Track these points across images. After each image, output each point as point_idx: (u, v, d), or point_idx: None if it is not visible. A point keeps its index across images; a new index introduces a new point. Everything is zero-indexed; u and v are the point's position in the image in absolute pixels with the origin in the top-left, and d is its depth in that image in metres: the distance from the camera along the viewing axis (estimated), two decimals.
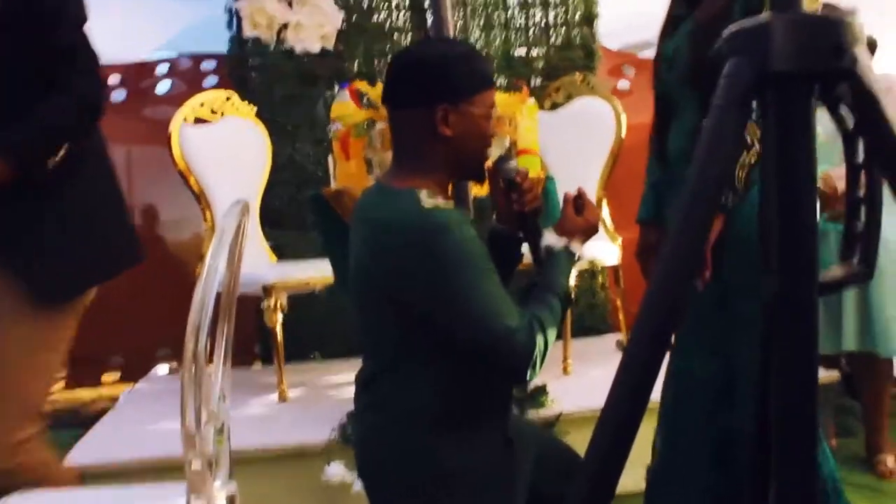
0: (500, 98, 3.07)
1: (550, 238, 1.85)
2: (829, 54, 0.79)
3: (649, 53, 5.14)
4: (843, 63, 0.79)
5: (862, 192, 0.86)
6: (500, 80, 4.55)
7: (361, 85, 3.23)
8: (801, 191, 0.79)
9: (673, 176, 2.25)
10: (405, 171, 1.80)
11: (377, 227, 1.74)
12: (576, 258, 1.86)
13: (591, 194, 4.19)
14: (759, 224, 0.94)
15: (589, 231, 1.87)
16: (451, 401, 1.78)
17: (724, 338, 2.13)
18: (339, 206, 3.14)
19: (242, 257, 1.85)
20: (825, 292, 0.85)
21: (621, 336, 4.25)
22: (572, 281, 3.66)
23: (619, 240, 4.12)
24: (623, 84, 4.96)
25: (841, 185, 3.26)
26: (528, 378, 1.69)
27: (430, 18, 4.35)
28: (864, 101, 0.81)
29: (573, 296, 3.41)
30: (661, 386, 2.34)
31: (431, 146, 1.78)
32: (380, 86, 3.31)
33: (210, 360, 1.58)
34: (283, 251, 4.25)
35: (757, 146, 1.92)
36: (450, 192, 1.86)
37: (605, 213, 4.19)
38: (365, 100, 3.35)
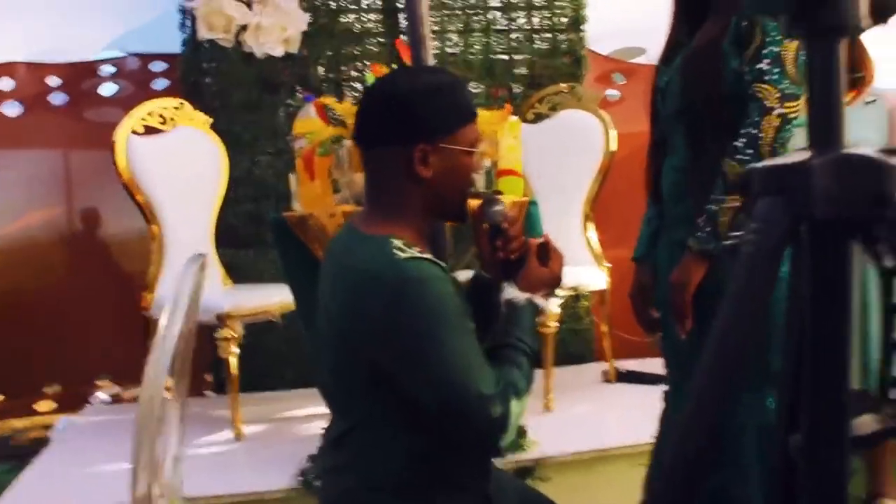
0: (480, 115, 3.06)
1: (512, 291, 1.84)
2: (873, 201, 0.78)
3: (641, 60, 5.18)
4: (888, 212, 0.77)
5: None
6: (479, 89, 4.53)
7: (329, 100, 3.20)
8: (836, 344, 0.77)
9: (665, 213, 2.27)
10: (379, 215, 1.78)
11: (347, 276, 1.72)
12: (540, 310, 1.84)
13: (577, 213, 4.20)
14: (784, 367, 0.92)
15: (553, 283, 1.87)
16: (427, 466, 1.75)
17: None
18: (303, 232, 3.11)
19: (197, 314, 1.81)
20: (859, 447, 0.84)
21: (607, 366, 4.25)
22: (556, 308, 3.68)
23: (607, 265, 4.12)
24: (612, 93, 4.97)
25: None
26: (500, 447, 1.68)
27: (403, 22, 4.33)
28: None
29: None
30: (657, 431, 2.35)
31: (408, 188, 1.76)
32: (348, 103, 3.30)
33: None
34: (238, 272, 4.21)
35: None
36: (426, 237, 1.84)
37: (592, 234, 4.19)
38: (332, 115, 3.32)
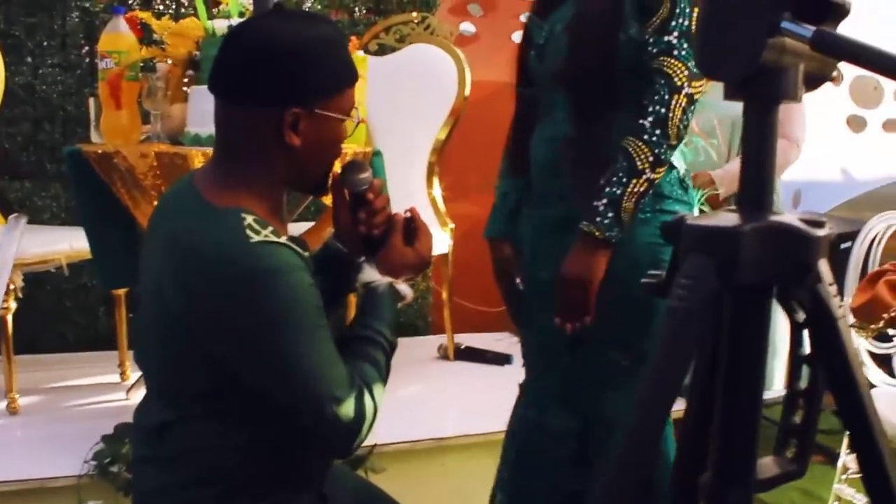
0: None
1: (371, 273, 1.91)
2: (795, 269, 0.98)
3: None
4: (808, 280, 0.97)
5: (802, 386, 1.02)
6: (315, 9, 4.56)
7: (144, 15, 3.19)
8: (749, 395, 0.94)
9: (531, 188, 2.36)
10: (229, 181, 1.80)
11: (187, 254, 1.74)
12: (402, 297, 1.93)
13: (421, 165, 4.31)
14: (689, 405, 1.09)
15: (419, 267, 1.95)
16: (259, 466, 1.83)
17: (582, 389, 2.30)
18: (106, 170, 3.10)
19: None
20: (759, 490, 1.01)
21: (445, 340, 4.40)
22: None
23: (451, 225, 4.26)
24: (467, 27, 5.08)
25: (723, 189, 3.58)
26: (351, 450, 1.78)
27: None
28: (822, 319, 1.00)
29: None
30: (505, 434, 2.51)
31: (269, 155, 1.79)
32: (167, 19, 3.29)
33: None
34: (13, 209, 4.12)
35: (649, 174, 2.08)
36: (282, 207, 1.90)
37: (437, 191, 4.32)
38: (143, 30, 3.31)
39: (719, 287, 0.97)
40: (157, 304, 1.81)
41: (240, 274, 1.68)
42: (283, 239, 1.74)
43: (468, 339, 4.49)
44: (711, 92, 2.47)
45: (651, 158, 2.07)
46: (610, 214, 2.08)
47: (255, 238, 1.70)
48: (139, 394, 3.62)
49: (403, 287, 1.92)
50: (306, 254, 1.80)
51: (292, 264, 1.72)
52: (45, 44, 4.30)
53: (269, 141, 1.78)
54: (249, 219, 1.72)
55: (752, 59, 0.87)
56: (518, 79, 2.42)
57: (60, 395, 3.73)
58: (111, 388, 3.78)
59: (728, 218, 0.98)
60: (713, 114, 3.65)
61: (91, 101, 3.39)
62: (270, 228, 1.73)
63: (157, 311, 1.81)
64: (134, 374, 3.83)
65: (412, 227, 1.95)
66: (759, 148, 0.96)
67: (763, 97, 0.94)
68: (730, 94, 0.96)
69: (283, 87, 1.76)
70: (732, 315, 0.99)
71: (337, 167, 1.94)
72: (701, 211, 2.56)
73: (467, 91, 4.27)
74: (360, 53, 3.38)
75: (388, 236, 1.93)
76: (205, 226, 1.74)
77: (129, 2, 4.32)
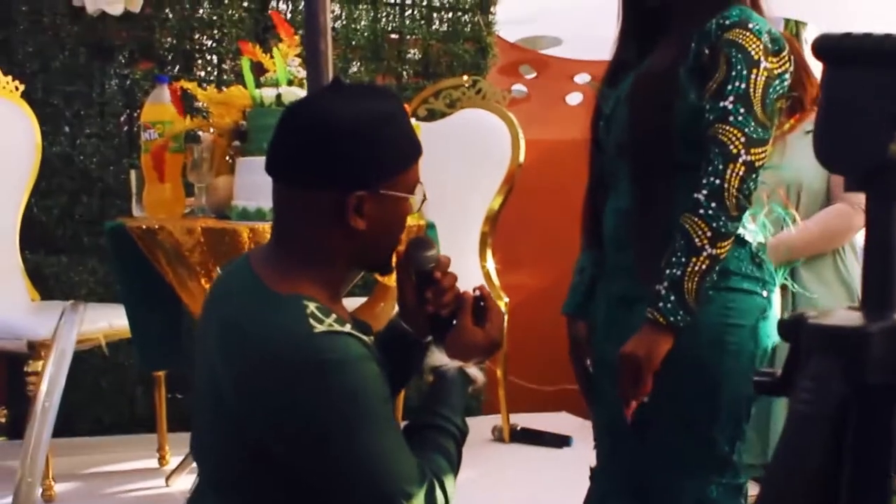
0: None
1: (440, 357, 1.90)
2: None
3: (554, 52, 5.35)
4: None
5: None
6: (362, 73, 4.61)
7: (190, 86, 3.24)
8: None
9: (605, 262, 2.37)
10: (289, 265, 1.81)
11: (247, 343, 1.74)
12: (472, 382, 1.91)
13: (474, 236, 4.32)
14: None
15: (490, 350, 1.94)
16: None
17: (650, 477, 2.28)
18: (150, 246, 3.13)
19: None
20: None
21: (499, 420, 4.37)
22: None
23: (505, 299, 4.26)
24: (519, 88, 5.13)
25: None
26: None
27: None
28: None
29: None
30: None
31: (333, 238, 1.80)
32: (213, 90, 3.34)
33: None
34: (48, 284, 4.17)
35: (709, 250, 2.07)
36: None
37: (490, 262, 4.33)
38: (185, 99, 3.36)
39: (846, 390, 0.97)
40: (212, 394, 1.81)
41: (303, 367, 1.69)
42: (347, 327, 1.74)
43: (524, 420, 4.47)
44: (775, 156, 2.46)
45: (709, 234, 2.06)
46: (672, 298, 2.05)
47: (319, 328, 1.70)
48: (179, 480, 3.66)
49: (474, 371, 1.90)
50: (370, 338, 1.81)
51: (359, 354, 1.72)
52: (82, 112, 4.37)
53: (331, 224, 1.78)
54: (312, 306, 1.73)
55: (877, 153, 0.86)
56: (591, 150, 2.44)
57: (98, 482, 3.75)
58: (150, 473, 3.79)
59: (851, 317, 0.98)
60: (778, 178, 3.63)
61: (133, 173, 3.44)
62: (334, 316, 1.73)
63: (212, 402, 1.82)
64: (174, 459, 3.83)
65: (482, 307, 1.94)
66: (882, 243, 0.95)
67: (888, 192, 0.93)
68: (850, 187, 0.96)
69: (345, 169, 1.76)
70: (859, 418, 0.99)
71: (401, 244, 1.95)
72: (783, 287, 2.53)
73: (521, 157, 4.30)
74: (413, 122, 3.39)
75: (457, 317, 1.93)
76: (264, 314, 1.75)
77: (171, 69, 4.37)
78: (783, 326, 1.02)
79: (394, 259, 1.94)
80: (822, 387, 0.96)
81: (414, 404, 3.77)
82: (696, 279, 2.06)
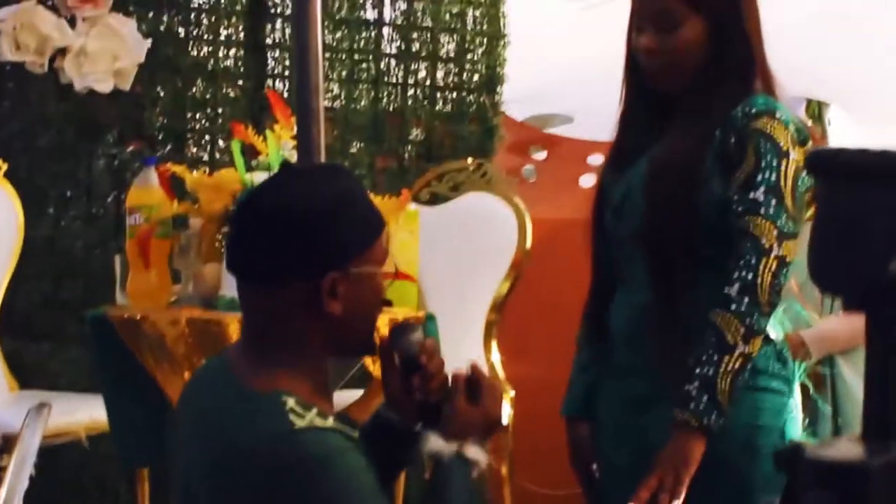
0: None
1: (437, 442, 1.87)
2: None
3: (560, 132, 5.38)
4: None
5: None
6: (362, 155, 4.63)
7: (179, 169, 3.24)
8: None
9: (611, 359, 2.35)
10: (264, 361, 1.80)
11: (223, 447, 1.74)
12: (474, 466, 1.88)
13: (478, 326, 4.31)
14: None
15: (489, 427, 1.92)
16: None
17: None
18: (132, 337, 3.12)
19: None
20: None
21: None
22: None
23: (511, 392, 4.22)
24: (529, 169, 5.13)
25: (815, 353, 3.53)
26: None
27: (270, 62, 4.43)
28: None
29: None
30: None
31: (309, 328, 1.80)
32: (201, 174, 3.35)
33: None
34: (27, 373, 4.14)
35: (742, 348, 2.05)
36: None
37: (495, 353, 4.30)
38: (174, 183, 3.36)
39: None
40: (185, 497, 1.81)
41: (284, 466, 1.68)
42: (329, 421, 1.74)
43: None
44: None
45: (743, 330, 2.06)
46: (704, 398, 2.05)
47: (300, 423, 1.70)
48: None
49: (474, 452, 1.86)
50: (356, 434, 1.80)
51: (342, 448, 1.71)
52: (68, 193, 4.37)
53: (305, 314, 1.79)
54: (291, 402, 1.72)
55: (877, 272, 0.85)
56: (594, 239, 2.43)
57: None
58: None
59: (851, 449, 0.95)
60: (800, 273, 3.61)
61: (117, 259, 3.43)
62: (315, 410, 1.73)
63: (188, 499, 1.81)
64: None
65: (476, 383, 1.92)
66: (883, 370, 0.93)
67: (888, 314, 0.92)
68: (849, 307, 0.94)
69: (313, 255, 1.77)
70: None
71: (384, 329, 1.95)
72: (804, 386, 2.52)
73: (528, 243, 4.28)
74: (412, 207, 3.40)
75: (451, 396, 1.90)
76: (241, 414, 1.75)
77: (161, 149, 4.39)
78: (780, 457, 0.99)
79: (375, 339, 1.93)
80: None
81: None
82: (728, 378, 2.06)
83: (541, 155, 5.21)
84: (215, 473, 1.75)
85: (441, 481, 1.86)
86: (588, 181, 5.18)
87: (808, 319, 3.63)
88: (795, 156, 2.15)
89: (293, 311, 1.79)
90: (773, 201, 2.10)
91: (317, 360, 1.84)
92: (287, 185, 1.85)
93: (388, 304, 1.99)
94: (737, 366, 2.06)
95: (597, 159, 5.11)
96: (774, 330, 2.22)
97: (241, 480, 1.70)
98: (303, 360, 1.82)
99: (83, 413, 3.61)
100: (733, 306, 2.07)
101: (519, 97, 5.04)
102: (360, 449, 1.76)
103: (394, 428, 1.96)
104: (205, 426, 1.80)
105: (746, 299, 2.06)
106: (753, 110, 2.19)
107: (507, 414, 4.15)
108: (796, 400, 2.27)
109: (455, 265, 4.27)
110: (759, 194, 2.11)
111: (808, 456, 0.96)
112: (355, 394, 3.80)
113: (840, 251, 0.89)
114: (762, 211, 2.10)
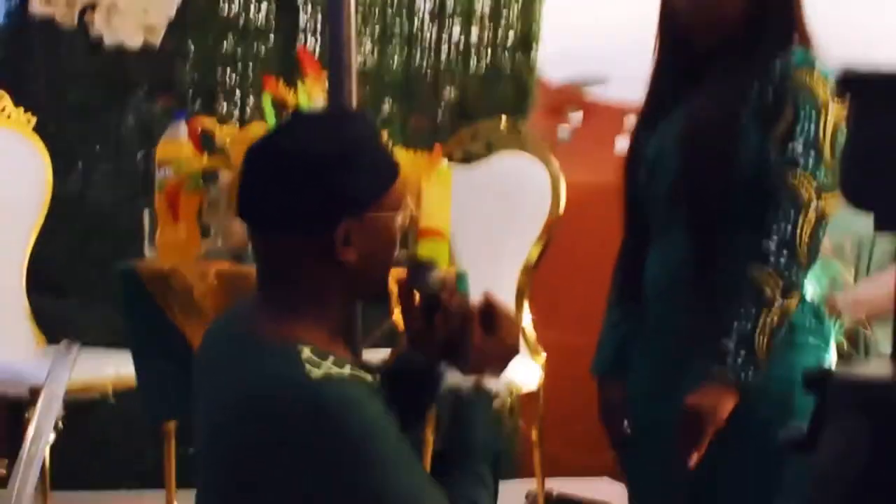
0: (401, 155, 3.14)
1: (454, 377, 1.87)
2: None
3: (600, 93, 5.36)
4: None
5: None
6: (395, 113, 4.64)
7: (209, 122, 3.26)
8: None
9: (644, 317, 2.36)
10: (279, 311, 1.80)
11: (240, 398, 1.74)
12: (493, 397, 1.88)
13: (510, 287, 4.31)
14: None
15: (507, 355, 1.90)
16: None
17: None
18: (161, 291, 3.15)
19: None
20: None
21: (534, 485, 4.33)
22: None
23: (543, 355, 4.23)
24: (563, 131, 5.13)
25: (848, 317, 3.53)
26: None
27: (303, 18, 4.43)
28: None
29: None
30: None
31: (323, 276, 1.79)
32: (232, 126, 3.36)
33: None
34: (55, 329, 4.18)
35: (781, 302, 2.06)
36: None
37: (527, 316, 4.31)
38: (205, 138, 3.38)
39: (874, 449, 0.95)
40: (208, 445, 1.82)
41: (301, 417, 1.67)
42: (347, 368, 1.72)
43: (560, 485, 4.42)
44: None
45: (781, 285, 2.06)
46: (742, 353, 2.05)
47: (317, 372, 1.68)
48: None
49: (493, 383, 1.87)
50: (374, 380, 1.79)
51: (360, 396, 1.70)
52: (97, 149, 4.40)
53: (320, 263, 1.77)
54: (307, 351, 1.71)
55: None
56: (626, 196, 2.43)
57: None
58: None
59: (881, 367, 0.96)
60: (838, 232, 3.60)
61: (146, 213, 3.45)
62: (332, 358, 1.71)
63: (209, 453, 1.82)
64: None
65: (491, 314, 1.90)
66: None
67: None
68: (881, 226, 0.94)
69: (326, 203, 1.75)
70: (889, 478, 0.96)
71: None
72: (838, 344, 2.51)
73: (562, 206, 4.27)
74: (445, 164, 3.40)
75: (465, 329, 1.88)
76: (257, 362, 1.74)
77: (192, 105, 4.42)
78: (809, 379, 1.00)
79: (391, 285, 1.93)
80: (848, 448, 0.94)
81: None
82: (767, 333, 2.06)
83: (577, 116, 5.19)
84: (232, 426, 1.74)
85: (461, 414, 1.86)
86: (625, 143, 5.17)
87: (841, 280, 3.63)
88: (835, 109, 2.14)
89: (307, 261, 1.78)
90: (812, 155, 2.10)
91: (332, 307, 1.83)
92: (299, 130, 1.84)
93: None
94: (775, 321, 2.06)
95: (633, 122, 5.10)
96: (812, 286, 2.23)
97: (257, 433, 1.70)
98: (318, 307, 1.81)
99: (110, 368, 3.65)
100: (771, 259, 2.07)
101: (555, 58, 5.02)
102: (378, 395, 1.75)
103: (418, 368, 1.95)
104: (222, 378, 1.80)
105: (785, 253, 2.06)
106: (793, 63, 2.18)
107: (535, 376, 4.16)
108: (832, 357, 2.27)
109: (487, 226, 4.27)
110: (798, 148, 2.10)
111: (837, 377, 0.97)
112: (383, 352, 3.82)
113: (870, 165, 0.89)
114: (801, 164, 2.09)
